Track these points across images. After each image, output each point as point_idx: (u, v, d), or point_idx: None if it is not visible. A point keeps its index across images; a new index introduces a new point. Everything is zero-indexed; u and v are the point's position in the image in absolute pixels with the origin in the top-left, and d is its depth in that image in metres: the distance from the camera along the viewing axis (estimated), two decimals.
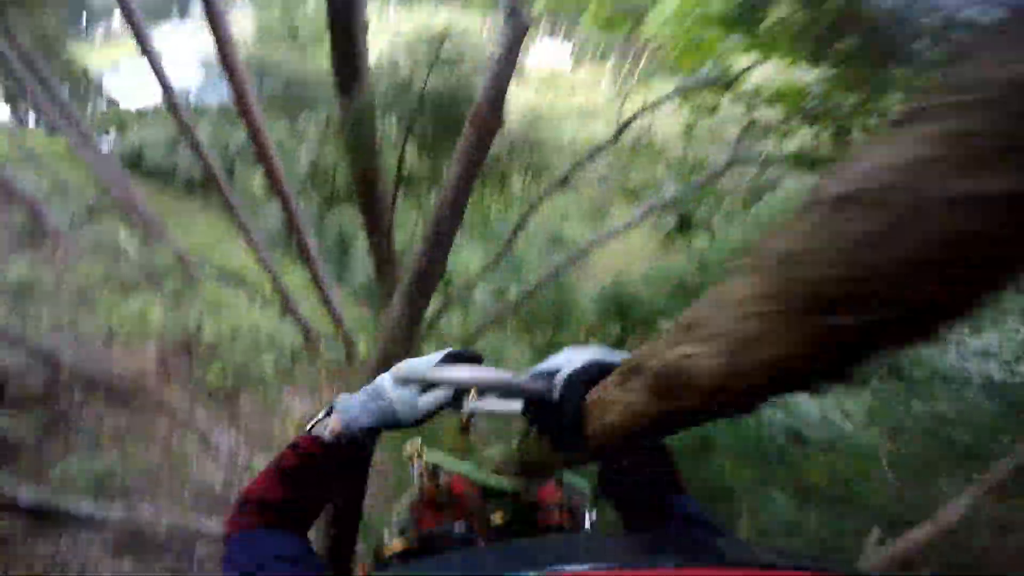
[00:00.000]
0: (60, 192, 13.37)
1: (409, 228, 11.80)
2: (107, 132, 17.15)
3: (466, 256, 9.66)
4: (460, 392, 0.77)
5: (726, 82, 4.73)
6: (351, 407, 0.79)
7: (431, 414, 0.77)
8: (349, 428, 0.77)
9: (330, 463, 0.79)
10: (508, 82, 1.32)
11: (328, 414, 0.83)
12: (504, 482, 1.02)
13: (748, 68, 4.73)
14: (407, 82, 2.91)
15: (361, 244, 11.78)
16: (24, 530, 5.90)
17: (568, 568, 0.40)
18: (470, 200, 3.15)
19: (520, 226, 4.08)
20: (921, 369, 4.98)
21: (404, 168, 3.36)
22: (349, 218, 12.69)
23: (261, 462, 7.74)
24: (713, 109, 5.24)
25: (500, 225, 13.72)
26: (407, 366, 0.78)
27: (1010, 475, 3.01)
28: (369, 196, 4.19)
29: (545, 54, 23.55)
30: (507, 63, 1.35)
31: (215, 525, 4.12)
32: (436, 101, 2.82)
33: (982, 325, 5.03)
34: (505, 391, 0.70)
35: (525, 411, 0.71)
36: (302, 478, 0.78)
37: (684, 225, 5.14)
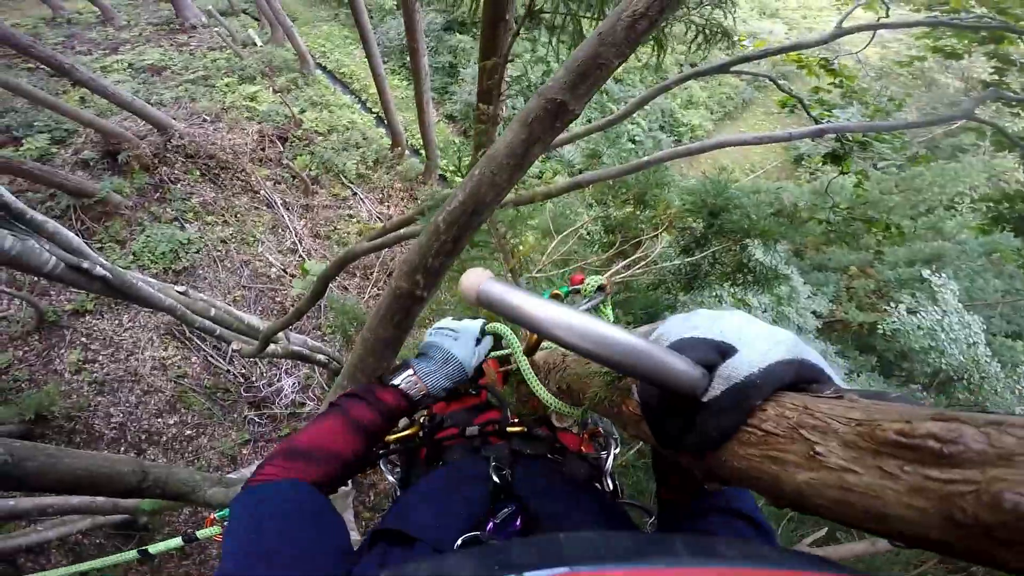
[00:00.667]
0: None
1: (521, 67, 11.45)
2: None
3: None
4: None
5: (1003, 31, 3.52)
6: (432, 374, 0.90)
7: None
8: (433, 391, 0.89)
9: (403, 416, 0.88)
10: None
11: (400, 373, 0.90)
12: (553, 401, 0.85)
13: None
14: None
15: (470, 72, 11.69)
16: (97, 302, 6.68)
17: (590, 567, 0.35)
18: None
19: (648, 99, 3.45)
20: None
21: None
22: (466, 44, 12.50)
23: (317, 253, 8.43)
24: (956, 54, 4.05)
25: (621, 88, 12.84)
26: (467, 326, 0.97)
27: None
28: (496, 19, 3.75)
29: None
30: None
31: (256, 321, 4.45)
32: None
33: None
34: (628, 366, 0.41)
35: (643, 391, 0.47)
36: (380, 432, 0.84)
37: (838, 158, 4.27)
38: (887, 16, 3.85)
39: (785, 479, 0.34)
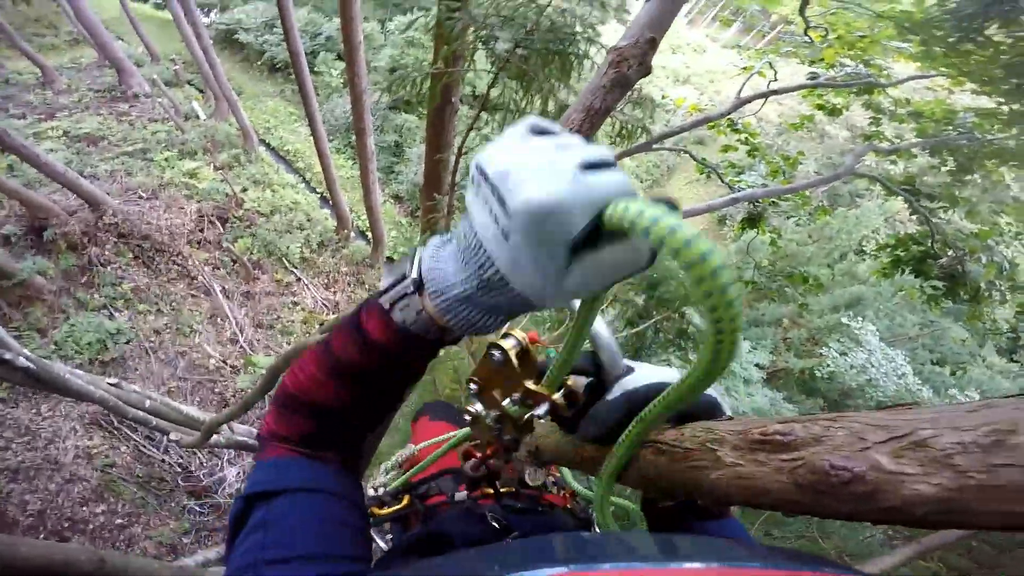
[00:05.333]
0: (150, 60, 14.11)
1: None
2: (210, 9, 17.38)
3: None
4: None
5: (867, 85, 4.22)
6: (452, 288, 0.45)
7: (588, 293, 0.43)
8: (455, 324, 0.47)
9: (409, 358, 0.52)
10: (668, 26, 1.05)
11: (406, 281, 0.48)
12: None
13: (902, 80, 4.27)
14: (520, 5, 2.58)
15: (416, 152, 11.87)
16: (11, 391, 6.17)
17: (588, 567, 0.34)
18: None
19: None
20: None
21: (491, 95, 3.05)
22: (411, 124, 12.85)
23: (259, 344, 8.06)
24: (837, 111, 4.74)
25: None
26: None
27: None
28: (443, 102, 4.03)
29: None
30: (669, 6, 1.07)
31: (195, 412, 4.20)
32: (548, 32, 2.49)
33: None
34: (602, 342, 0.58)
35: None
36: (371, 375, 0.53)
37: (753, 223, 4.77)
38: (775, 80, 4.58)
39: (703, 479, 0.46)
